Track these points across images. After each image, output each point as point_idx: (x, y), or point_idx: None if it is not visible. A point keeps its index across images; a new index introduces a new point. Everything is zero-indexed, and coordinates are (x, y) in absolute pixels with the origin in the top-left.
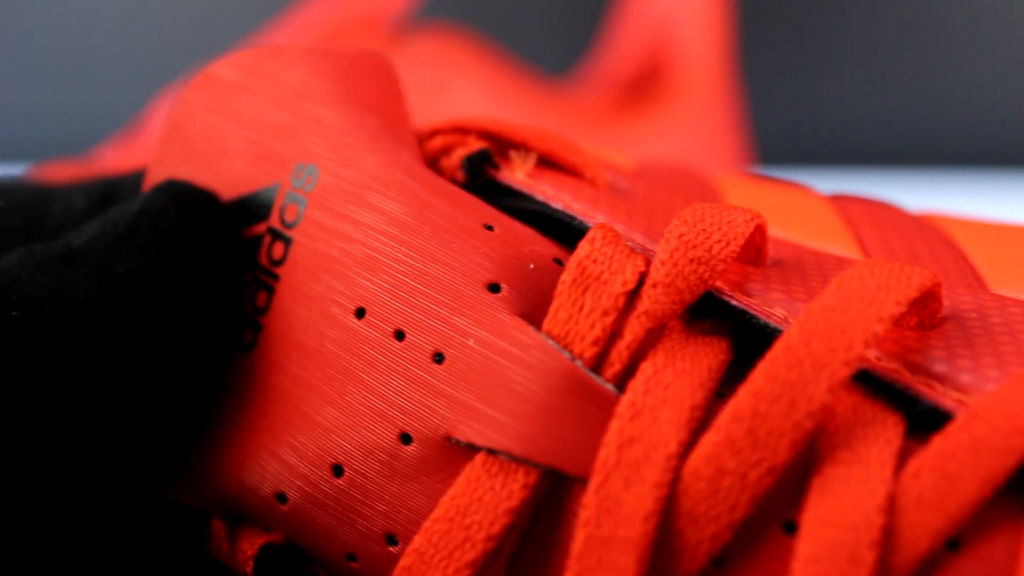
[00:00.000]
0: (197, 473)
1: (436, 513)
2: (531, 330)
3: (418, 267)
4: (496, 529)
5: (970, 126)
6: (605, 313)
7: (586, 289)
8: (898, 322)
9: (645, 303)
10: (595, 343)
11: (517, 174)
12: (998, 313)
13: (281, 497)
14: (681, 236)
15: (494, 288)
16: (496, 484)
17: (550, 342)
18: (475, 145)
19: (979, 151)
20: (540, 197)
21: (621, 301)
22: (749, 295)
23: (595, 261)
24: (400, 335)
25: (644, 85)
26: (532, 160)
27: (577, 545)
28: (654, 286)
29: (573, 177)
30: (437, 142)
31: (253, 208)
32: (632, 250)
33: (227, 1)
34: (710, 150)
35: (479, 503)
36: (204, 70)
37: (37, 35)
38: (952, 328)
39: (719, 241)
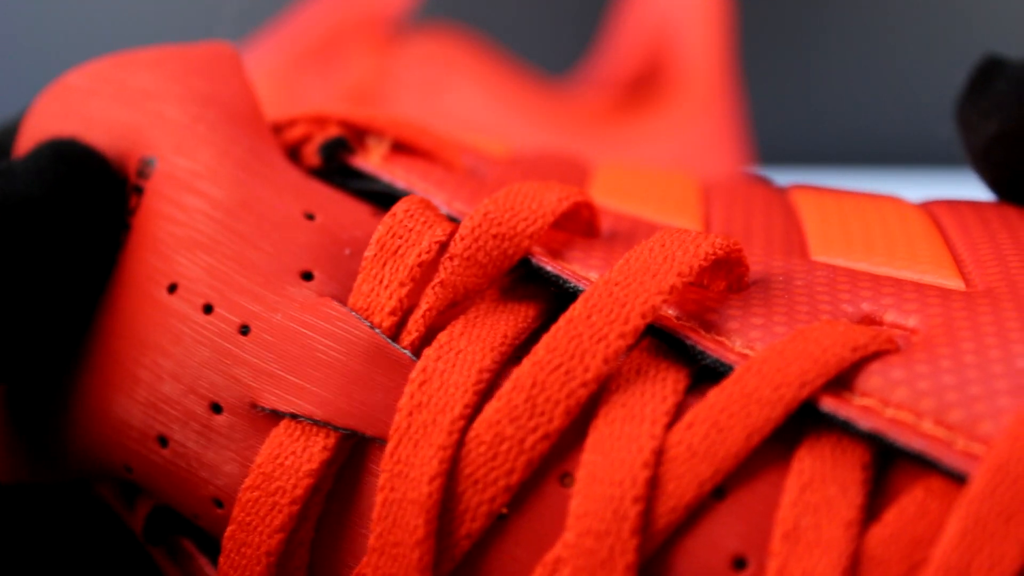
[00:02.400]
0: (58, 442)
1: (247, 481)
2: (336, 304)
3: (235, 250)
4: (299, 492)
5: None
6: (401, 284)
7: (385, 263)
8: (706, 285)
9: (441, 274)
10: (392, 313)
11: (372, 158)
12: (803, 277)
13: (127, 468)
14: (487, 213)
15: (307, 276)
16: (298, 448)
17: (352, 313)
18: (332, 132)
19: None
20: (387, 178)
21: (416, 272)
22: (568, 262)
23: (394, 235)
24: (208, 308)
25: (644, 85)
26: (386, 145)
27: (376, 508)
28: (451, 258)
29: (427, 161)
30: (297, 131)
31: None
32: (436, 222)
33: (228, 2)
34: (710, 150)
35: (282, 468)
36: (56, 81)
37: (36, 34)
38: (756, 291)
39: (526, 218)
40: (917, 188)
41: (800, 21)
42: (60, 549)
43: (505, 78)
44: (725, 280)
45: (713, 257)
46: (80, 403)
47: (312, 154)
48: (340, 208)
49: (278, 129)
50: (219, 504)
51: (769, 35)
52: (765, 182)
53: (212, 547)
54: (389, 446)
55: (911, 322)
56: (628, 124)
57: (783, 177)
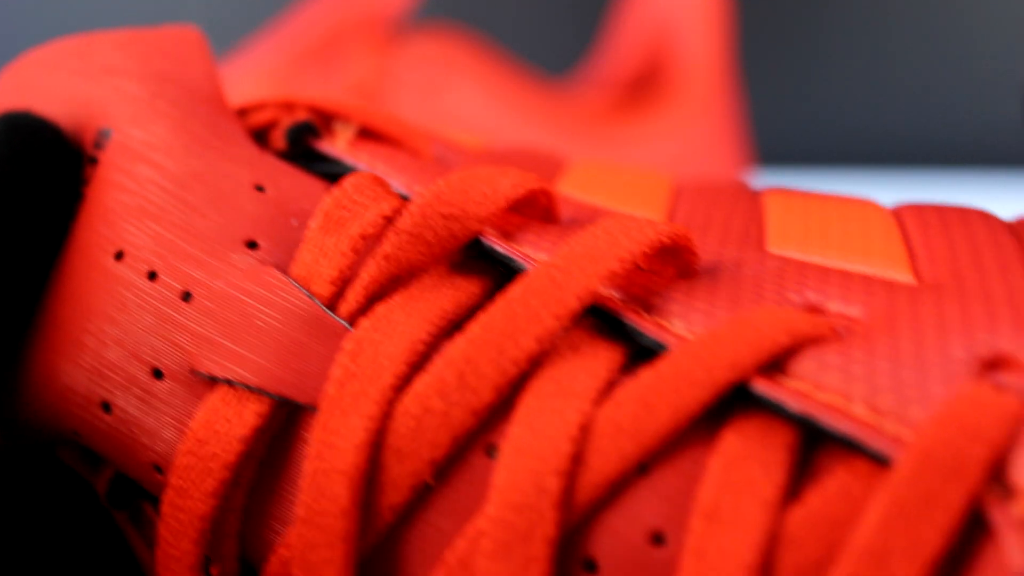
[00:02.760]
0: (10, 409)
1: (181, 446)
2: (277, 273)
3: (183, 219)
4: (231, 458)
5: (969, 126)
6: (343, 255)
7: (328, 233)
8: (656, 271)
9: (386, 247)
10: (332, 283)
11: (338, 143)
12: (752, 267)
13: (75, 434)
14: (438, 193)
15: (252, 245)
16: (231, 414)
17: (292, 282)
18: (300, 116)
19: (978, 151)
20: (351, 162)
21: (359, 244)
22: (520, 244)
23: (340, 206)
24: (152, 275)
25: (644, 86)
26: (352, 131)
27: (304, 477)
28: (397, 233)
29: (393, 147)
30: (264, 115)
31: None
32: (384, 197)
33: (228, 1)
34: (710, 150)
35: (216, 434)
36: (18, 58)
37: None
38: (703, 278)
39: (478, 201)
40: (917, 188)
41: (800, 21)
42: (27, 514)
43: (505, 78)
44: (673, 267)
45: (658, 244)
46: (29, 370)
47: (279, 138)
48: (292, 181)
49: (245, 113)
50: (159, 470)
51: (769, 35)
52: (744, 185)
53: None
54: (319, 415)
55: (854, 312)
56: (628, 124)
57: (783, 177)
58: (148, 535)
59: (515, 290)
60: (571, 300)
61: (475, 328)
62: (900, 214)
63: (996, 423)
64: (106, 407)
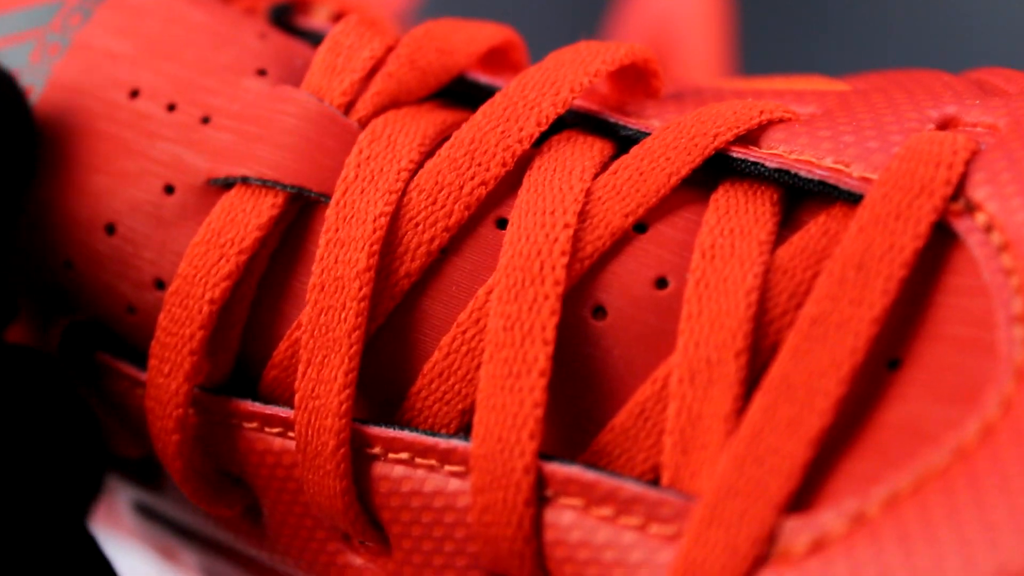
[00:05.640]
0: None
1: (195, 239)
2: (291, 88)
3: (195, 56)
4: (247, 243)
5: None
6: (353, 71)
7: (338, 54)
8: (626, 90)
9: (389, 67)
10: (343, 94)
11: (315, 21)
12: (712, 93)
13: (67, 264)
14: (429, 32)
15: (262, 73)
16: (248, 206)
17: (306, 94)
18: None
19: None
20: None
21: (368, 64)
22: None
23: (348, 34)
24: (172, 107)
25: None
26: (327, 12)
27: (319, 249)
28: (397, 57)
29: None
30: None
31: (31, 17)
32: (385, 32)
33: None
34: None
35: (232, 223)
36: None
37: None
38: (670, 98)
39: (465, 40)
40: None
41: (800, 21)
42: None
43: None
44: (643, 88)
45: (629, 57)
46: (31, 201)
47: (264, 15)
48: (289, 39)
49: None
50: (160, 285)
51: (769, 35)
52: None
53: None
54: (336, 195)
55: (810, 109)
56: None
57: None
58: (101, 388)
59: (513, 85)
60: (564, 90)
61: (479, 116)
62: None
63: (952, 152)
64: (110, 229)
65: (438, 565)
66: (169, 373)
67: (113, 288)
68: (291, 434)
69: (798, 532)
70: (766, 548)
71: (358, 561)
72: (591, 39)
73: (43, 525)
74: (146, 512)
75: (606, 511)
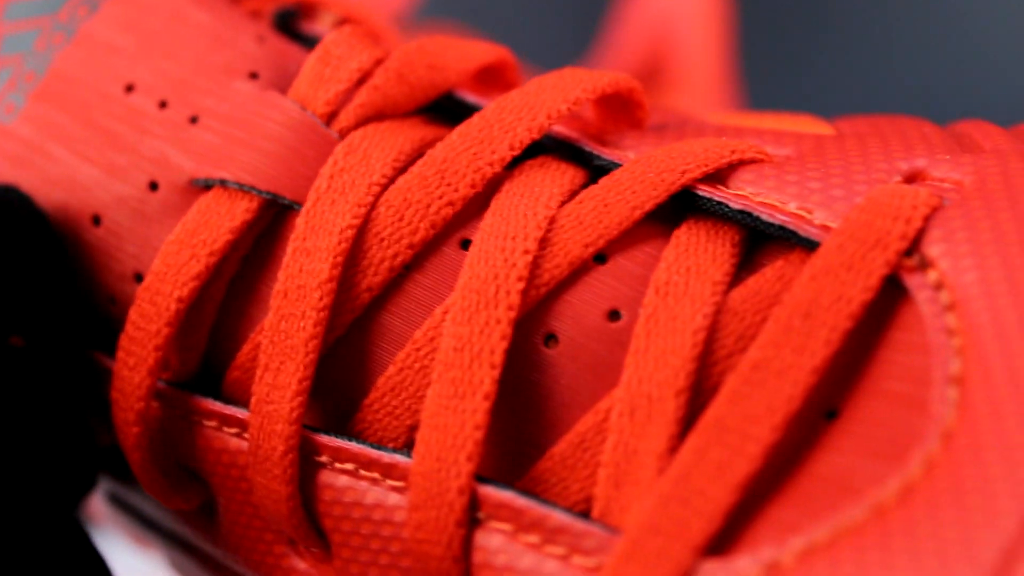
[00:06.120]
0: None
1: (170, 237)
2: (278, 94)
3: (192, 56)
4: (218, 245)
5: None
6: (339, 82)
7: (327, 64)
8: (610, 118)
9: (376, 80)
10: (327, 103)
11: (319, 27)
12: (695, 126)
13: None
14: (421, 47)
15: (254, 76)
16: (223, 209)
17: (290, 100)
18: (287, 3)
19: None
20: None
21: (355, 76)
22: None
23: (338, 44)
24: (164, 104)
25: (644, 85)
26: (332, 19)
27: (286, 257)
28: (386, 70)
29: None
30: (253, 2)
31: (42, 5)
32: (377, 45)
33: None
34: None
35: (206, 225)
36: None
37: None
38: (652, 129)
39: (457, 57)
40: None
41: (800, 21)
42: None
43: None
44: (625, 121)
45: (613, 87)
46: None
47: (268, 18)
48: (287, 44)
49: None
50: (139, 279)
51: (769, 35)
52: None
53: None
54: (307, 204)
55: (785, 152)
56: None
57: None
58: (80, 376)
59: (490, 108)
60: (542, 116)
61: (454, 136)
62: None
63: (913, 206)
64: (96, 220)
65: (379, 568)
66: (134, 366)
67: (97, 279)
68: (247, 435)
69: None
70: None
71: (302, 566)
72: (591, 40)
73: (36, 520)
74: (118, 503)
75: (533, 538)
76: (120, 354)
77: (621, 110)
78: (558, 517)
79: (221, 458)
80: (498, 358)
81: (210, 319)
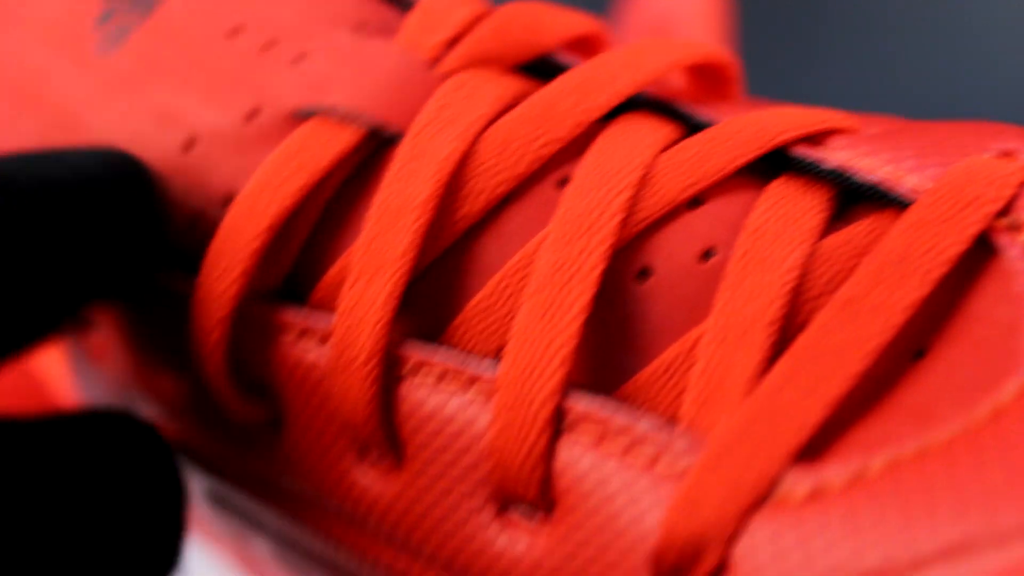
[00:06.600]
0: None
1: (271, 156)
2: (381, 39)
3: (298, 6)
4: (322, 165)
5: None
6: (442, 32)
7: (430, 17)
8: (702, 90)
9: (480, 31)
10: (431, 49)
11: None
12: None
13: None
14: (520, 9)
15: (360, 27)
16: (326, 135)
17: (396, 45)
18: None
19: None
20: None
21: (457, 27)
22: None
23: (439, 1)
24: (269, 44)
25: None
26: None
27: (386, 178)
28: (486, 25)
29: None
30: None
31: None
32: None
33: None
34: None
35: (309, 147)
36: None
37: None
38: (744, 102)
39: (554, 23)
40: None
41: (800, 21)
42: None
43: None
44: (717, 94)
45: (712, 59)
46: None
47: None
48: (387, 7)
49: None
50: (228, 203)
51: (769, 35)
52: None
53: None
54: (411, 131)
55: (874, 131)
56: None
57: None
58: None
59: (594, 60)
60: (646, 70)
61: (558, 82)
62: None
63: (1008, 173)
64: (189, 144)
65: (449, 479)
66: (221, 275)
67: (181, 202)
68: (326, 347)
69: (799, 481)
70: (766, 493)
71: (366, 480)
72: None
73: None
74: (220, 501)
75: (617, 446)
76: (208, 260)
77: (714, 83)
78: (643, 426)
79: (296, 371)
80: (594, 279)
81: (301, 238)
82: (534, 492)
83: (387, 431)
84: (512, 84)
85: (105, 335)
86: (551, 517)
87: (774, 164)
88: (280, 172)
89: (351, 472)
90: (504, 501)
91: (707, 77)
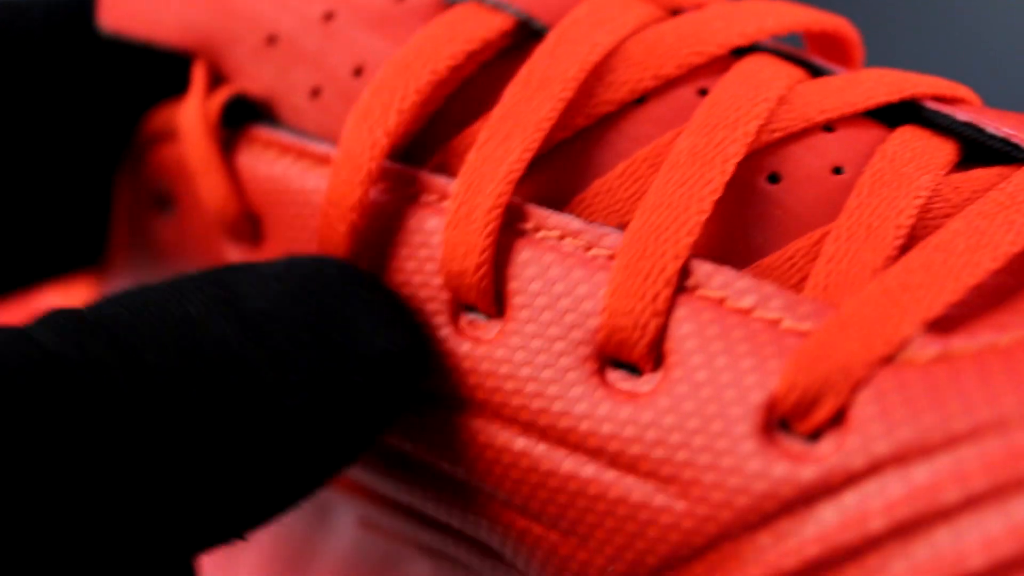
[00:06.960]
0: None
1: (424, 29)
2: None
3: None
4: (474, 43)
5: None
6: None
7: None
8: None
9: None
10: None
11: None
12: None
13: (271, 39)
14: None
15: None
16: (479, 17)
17: None
18: None
19: None
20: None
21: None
22: None
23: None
24: None
25: None
26: None
27: (535, 54)
28: None
29: None
30: None
31: None
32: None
33: None
34: None
35: (461, 24)
36: None
37: None
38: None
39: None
40: None
41: None
42: None
43: None
44: (841, 56)
45: (838, 27)
46: None
47: None
48: None
49: None
50: (358, 72)
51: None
52: None
53: None
54: (563, 23)
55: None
56: None
57: None
58: (243, 162)
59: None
60: (792, 16)
61: (707, 10)
62: None
63: None
64: (328, 16)
65: (551, 335)
66: (372, 126)
67: (302, 72)
68: (444, 204)
69: (927, 345)
70: (896, 351)
71: (465, 346)
72: None
73: None
74: (368, 526)
75: (744, 303)
76: (352, 118)
77: (837, 56)
78: (769, 286)
79: (414, 236)
80: (731, 167)
81: (432, 108)
82: (645, 347)
83: (496, 288)
84: (661, 2)
85: None
86: (657, 375)
87: (901, 117)
88: (436, 41)
89: (449, 337)
90: (604, 362)
91: (829, 46)
